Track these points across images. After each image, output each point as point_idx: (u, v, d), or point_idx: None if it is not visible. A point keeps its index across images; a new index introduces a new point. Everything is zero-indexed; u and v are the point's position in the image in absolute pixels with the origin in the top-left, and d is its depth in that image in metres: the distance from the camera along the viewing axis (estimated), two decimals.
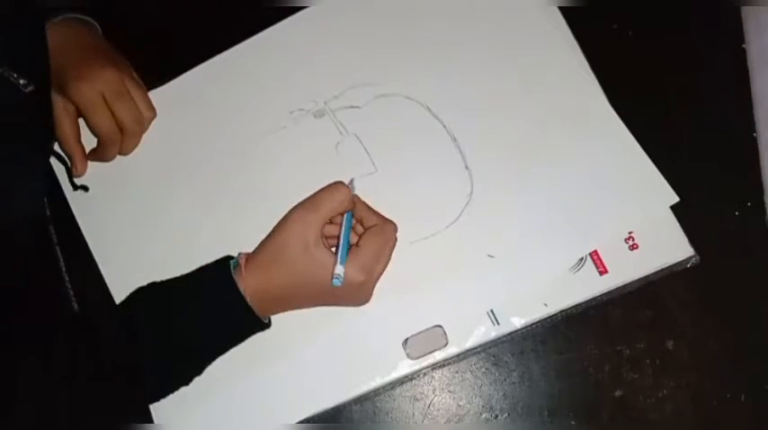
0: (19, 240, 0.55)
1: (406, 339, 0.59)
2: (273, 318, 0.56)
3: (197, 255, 0.57)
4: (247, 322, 0.54)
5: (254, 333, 0.55)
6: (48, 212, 0.62)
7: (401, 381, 0.59)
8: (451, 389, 0.60)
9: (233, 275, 0.53)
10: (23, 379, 0.50)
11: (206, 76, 0.66)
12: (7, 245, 0.54)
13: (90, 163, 0.63)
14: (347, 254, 0.53)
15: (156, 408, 0.59)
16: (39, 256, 0.61)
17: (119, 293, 0.61)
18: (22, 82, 0.54)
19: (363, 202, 0.57)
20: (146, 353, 0.53)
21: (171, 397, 0.58)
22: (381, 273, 0.56)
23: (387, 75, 0.64)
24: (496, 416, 0.60)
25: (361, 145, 0.63)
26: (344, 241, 0.54)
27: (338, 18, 0.66)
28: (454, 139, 0.62)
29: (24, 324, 0.52)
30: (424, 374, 0.60)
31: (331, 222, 0.57)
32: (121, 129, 0.61)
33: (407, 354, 0.58)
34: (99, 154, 0.63)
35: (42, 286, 0.60)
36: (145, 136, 0.64)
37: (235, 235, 0.59)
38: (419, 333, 0.59)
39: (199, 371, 0.55)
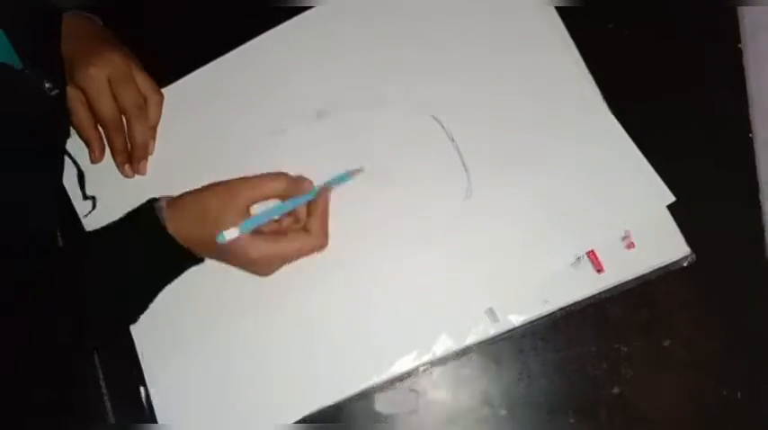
0: (27, 242, 0.56)
1: (375, 393, 0.59)
2: (273, 320, 0.57)
3: None
4: (182, 259, 0.56)
5: (188, 267, 0.57)
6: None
7: (400, 378, 0.60)
8: (451, 386, 0.60)
9: (160, 218, 0.54)
10: None
11: (207, 78, 0.66)
12: (15, 247, 0.55)
13: (95, 170, 0.64)
14: (255, 225, 0.54)
15: (155, 409, 0.59)
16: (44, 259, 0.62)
17: None
18: (47, 85, 0.56)
19: (324, 202, 0.58)
20: (85, 295, 0.54)
21: (171, 397, 0.59)
22: (282, 266, 0.57)
23: (386, 76, 0.64)
24: (495, 413, 0.60)
25: (360, 146, 0.63)
26: (263, 213, 0.55)
27: (338, 20, 0.66)
28: (452, 140, 0.63)
29: (26, 324, 0.53)
30: (424, 371, 0.60)
31: None
32: (124, 114, 0.62)
33: (376, 408, 0.59)
34: (111, 145, 0.63)
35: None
36: None
37: None
38: (392, 390, 0.60)
39: (143, 309, 0.57)
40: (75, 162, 0.65)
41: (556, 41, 0.64)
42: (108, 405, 0.61)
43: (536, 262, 0.59)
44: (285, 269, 0.58)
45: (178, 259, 0.56)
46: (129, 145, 0.63)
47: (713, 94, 0.64)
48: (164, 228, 0.54)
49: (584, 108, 0.62)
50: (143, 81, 0.62)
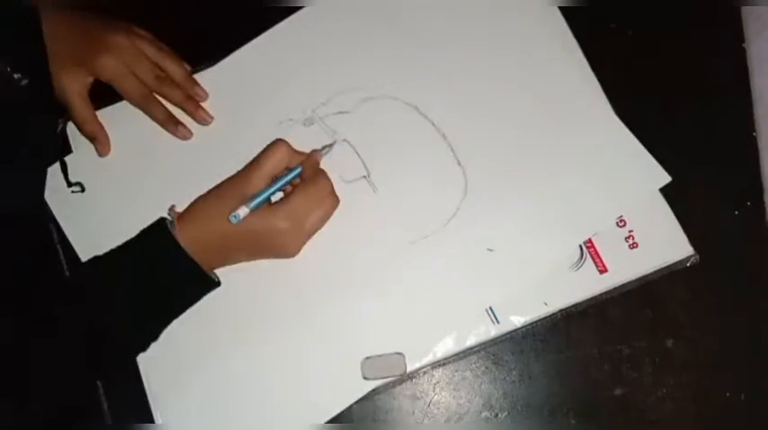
0: (20, 238, 0.56)
1: (365, 358, 0.59)
2: (272, 325, 0.56)
3: None
4: (195, 278, 0.55)
5: (203, 288, 0.56)
6: (47, 211, 0.62)
7: (401, 380, 0.59)
8: (452, 387, 0.60)
9: (170, 230, 0.54)
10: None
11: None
12: (8, 242, 0.54)
13: (78, 165, 0.64)
14: (267, 200, 0.55)
15: (156, 407, 0.59)
16: (40, 255, 0.62)
17: None
18: (16, 76, 0.55)
19: (314, 162, 0.59)
20: (98, 322, 0.53)
21: (172, 397, 0.59)
22: (313, 228, 0.57)
23: (373, 77, 0.64)
24: (496, 414, 0.60)
25: (352, 149, 0.63)
26: (270, 188, 0.56)
27: (322, 24, 0.65)
28: (444, 137, 0.62)
29: (25, 323, 0.52)
30: (425, 373, 0.60)
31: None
32: (152, 89, 0.62)
33: (363, 374, 0.58)
34: (155, 118, 0.63)
35: (43, 284, 0.60)
36: (135, 145, 0.64)
37: None
38: (379, 356, 0.59)
39: (155, 336, 0.56)
40: (55, 151, 0.64)
41: (559, 41, 0.64)
42: (105, 405, 0.60)
43: (537, 255, 0.59)
44: (282, 274, 0.59)
45: (195, 279, 0.55)
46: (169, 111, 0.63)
47: (717, 94, 0.64)
48: (178, 245, 0.53)
49: (587, 107, 0.62)
50: (152, 51, 0.62)
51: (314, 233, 0.58)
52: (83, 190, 0.64)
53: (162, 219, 0.56)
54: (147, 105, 0.62)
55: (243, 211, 0.54)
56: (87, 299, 0.53)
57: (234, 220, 0.54)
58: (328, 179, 0.58)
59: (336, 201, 0.58)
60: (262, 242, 0.57)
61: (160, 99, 0.63)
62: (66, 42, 0.59)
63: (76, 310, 0.53)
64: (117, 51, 0.60)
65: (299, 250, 0.58)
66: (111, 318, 0.53)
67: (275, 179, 0.57)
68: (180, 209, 0.57)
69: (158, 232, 0.55)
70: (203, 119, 0.63)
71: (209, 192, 0.57)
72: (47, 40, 0.59)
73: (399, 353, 0.59)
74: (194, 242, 0.54)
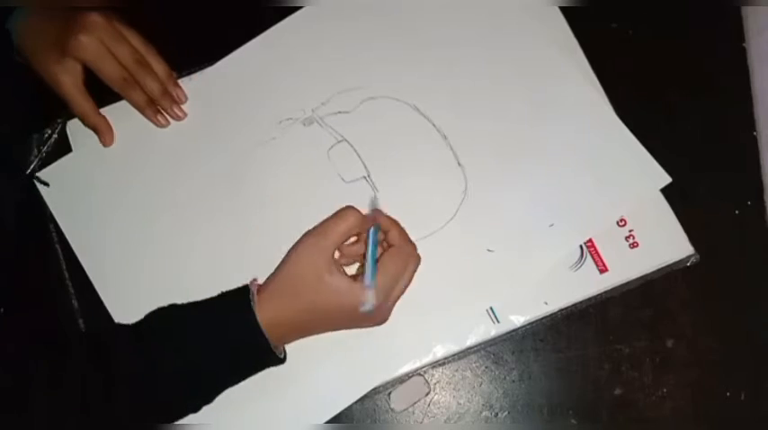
0: (16, 239, 0.55)
1: (390, 393, 0.59)
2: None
3: (192, 269, 0.59)
4: (263, 355, 0.53)
5: (268, 367, 0.54)
6: (47, 211, 0.62)
7: (401, 380, 0.59)
8: (452, 387, 0.60)
9: (251, 302, 0.52)
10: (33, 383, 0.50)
11: (194, 91, 0.64)
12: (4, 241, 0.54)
13: (77, 165, 0.63)
14: (374, 275, 0.52)
15: None
16: (38, 255, 0.62)
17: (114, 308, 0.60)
18: None
19: (388, 217, 0.56)
20: (157, 374, 0.51)
21: None
22: (400, 295, 0.55)
23: (373, 77, 0.64)
24: (496, 414, 0.60)
25: (352, 149, 0.62)
26: (371, 262, 0.52)
27: (322, 24, 0.65)
28: (445, 137, 0.62)
29: (25, 323, 0.52)
30: (425, 372, 0.60)
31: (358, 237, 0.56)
32: (130, 73, 0.61)
33: (392, 408, 0.59)
34: (133, 103, 0.62)
35: (43, 284, 0.60)
36: (134, 149, 0.63)
37: (229, 247, 0.60)
38: (402, 384, 0.59)
39: (209, 400, 0.53)
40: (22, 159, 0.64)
41: (560, 41, 0.64)
42: None
43: (537, 256, 0.59)
44: None
45: (263, 355, 0.52)
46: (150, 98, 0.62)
47: (717, 94, 0.64)
48: (254, 319, 0.51)
49: (587, 107, 0.62)
50: (138, 42, 0.61)
51: (399, 298, 0.55)
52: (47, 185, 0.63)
53: (245, 288, 0.53)
54: (127, 89, 0.61)
55: (370, 296, 0.51)
56: (150, 346, 0.51)
57: (368, 307, 0.51)
58: (413, 243, 0.56)
59: (419, 260, 0.55)
60: (353, 318, 0.54)
61: None
62: (46, 34, 0.59)
63: (136, 351, 0.51)
64: (93, 29, 0.58)
65: (389, 318, 0.56)
66: (170, 367, 0.51)
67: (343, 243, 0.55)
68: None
69: (238, 300, 0.52)
70: (177, 116, 0.63)
71: (283, 267, 0.54)
72: (31, 39, 0.58)
73: (419, 375, 0.59)
74: (272, 319, 0.51)
